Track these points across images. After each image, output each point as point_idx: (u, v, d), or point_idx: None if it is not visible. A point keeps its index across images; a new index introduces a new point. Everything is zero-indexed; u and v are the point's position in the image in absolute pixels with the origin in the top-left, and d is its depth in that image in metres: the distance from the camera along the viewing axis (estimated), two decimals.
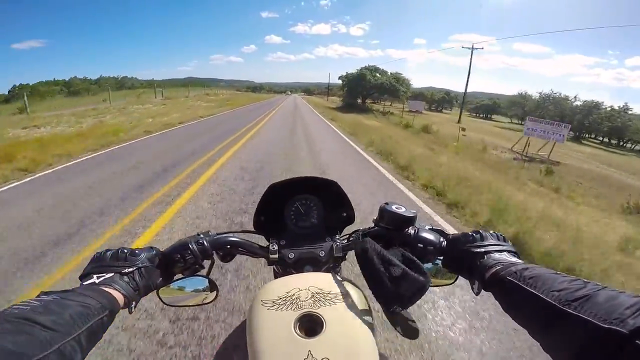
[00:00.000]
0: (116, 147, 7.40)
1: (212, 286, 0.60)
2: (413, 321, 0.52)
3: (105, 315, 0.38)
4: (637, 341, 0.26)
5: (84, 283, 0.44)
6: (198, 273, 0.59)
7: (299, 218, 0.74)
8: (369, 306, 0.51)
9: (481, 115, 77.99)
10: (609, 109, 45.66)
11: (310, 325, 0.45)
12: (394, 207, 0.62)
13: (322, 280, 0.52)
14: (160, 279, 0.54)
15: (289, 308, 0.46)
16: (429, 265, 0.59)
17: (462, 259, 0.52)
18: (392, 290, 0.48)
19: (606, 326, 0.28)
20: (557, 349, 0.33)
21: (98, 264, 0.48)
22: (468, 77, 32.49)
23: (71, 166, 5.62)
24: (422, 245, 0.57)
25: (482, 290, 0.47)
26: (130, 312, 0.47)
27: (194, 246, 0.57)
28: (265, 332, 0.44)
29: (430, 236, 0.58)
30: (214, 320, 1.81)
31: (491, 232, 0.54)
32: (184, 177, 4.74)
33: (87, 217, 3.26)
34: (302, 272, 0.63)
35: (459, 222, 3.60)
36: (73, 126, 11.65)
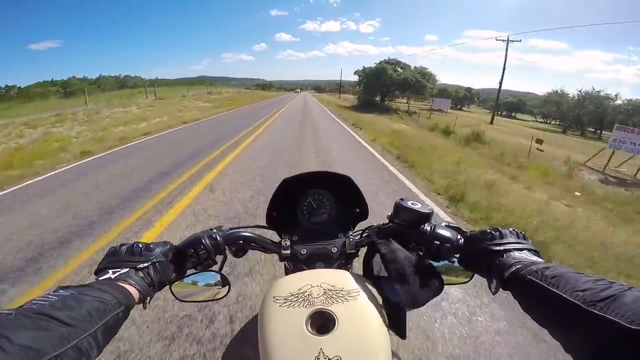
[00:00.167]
0: None
1: (224, 281, 0.60)
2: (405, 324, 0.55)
3: (121, 311, 0.38)
4: None
5: (100, 278, 0.44)
6: (210, 268, 0.59)
7: (311, 213, 0.73)
8: (382, 304, 0.51)
9: (504, 114, 72.80)
10: None
11: (322, 322, 0.44)
12: (409, 203, 0.61)
13: (335, 277, 0.52)
14: (174, 274, 0.54)
15: (300, 305, 0.46)
16: (445, 263, 0.58)
17: (480, 257, 0.50)
18: (416, 291, 0.51)
19: (634, 327, 0.28)
20: (581, 350, 0.32)
21: (113, 258, 0.48)
22: (503, 73, 28.14)
23: None
24: (438, 243, 0.56)
25: (500, 289, 0.46)
26: (145, 308, 0.47)
27: (207, 241, 0.57)
28: (276, 329, 0.44)
29: (447, 233, 0.57)
30: None
31: (511, 229, 0.51)
32: None
33: None
34: (314, 268, 0.63)
35: None
36: (5, 142, 8.58)
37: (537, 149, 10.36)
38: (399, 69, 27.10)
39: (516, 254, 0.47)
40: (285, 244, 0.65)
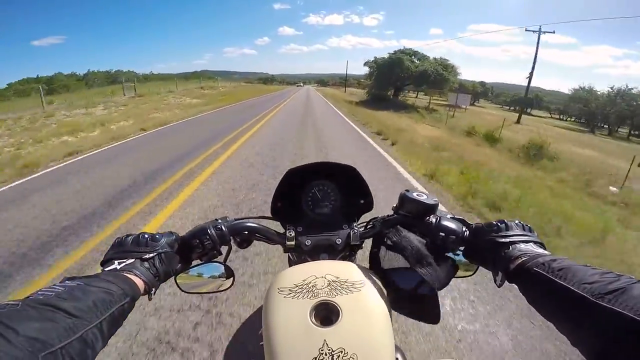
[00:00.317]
0: None
1: (229, 273, 0.60)
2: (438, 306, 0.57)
3: (126, 302, 0.38)
4: None
5: (106, 269, 0.44)
6: (215, 260, 0.59)
7: (315, 204, 0.72)
8: (386, 296, 0.51)
9: (518, 109, 68.72)
10: None
11: (326, 314, 0.44)
12: (415, 194, 0.61)
13: (339, 268, 0.51)
14: (179, 264, 0.54)
15: (305, 296, 0.46)
16: (450, 255, 0.57)
17: (486, 249, 0.50)
18: (440, 272, 0.51)
19: None
20: (588, 343, 0.32)
21: (119, 249, 0.48)
22: (533, 67, 24.38)
23: None
24: (443, 234, 0.55)
25: (506, 282, 0.45)
26: (150, 299, 0.47)
27: (213, 231, 0.57)
28: (280, 320, 0.44)
29: (452, 225, 0.56)
30: None
31: (516, 221, 0.51)
32: None
33: None
34: (318, 259, 0.63)
35: None
36: None
37: None
38: (416, 60, 23.62)
39: (522, 246, 0.46)
40: (290, 234, 0.64)
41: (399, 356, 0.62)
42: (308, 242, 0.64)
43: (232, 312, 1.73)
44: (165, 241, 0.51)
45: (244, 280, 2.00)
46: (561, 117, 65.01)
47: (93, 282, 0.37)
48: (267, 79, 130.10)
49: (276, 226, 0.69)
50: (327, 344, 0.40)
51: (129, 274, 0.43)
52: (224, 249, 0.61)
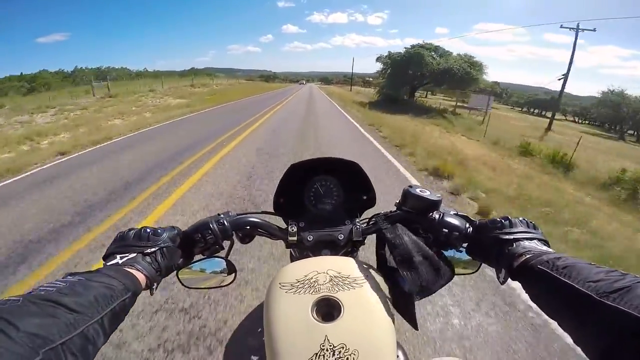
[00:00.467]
0: None
1: (231, 268, 0.60)
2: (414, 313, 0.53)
3: (127, 297, 0.38)
4: None
5: (108, 263, 0.44)
6: (217, 254, 0.59)
7: (318, 200, 0.71)
8: (389, 292, 0.50)
9: (535, 112, 65.19)
10: None
11: (328, 309, 0.44)
12: (418, 190, 0.60)
13: (341, 264, 0.51)
14: (181, 259, 0.54)
15: (306, 291, 0.45)
16: (452, 251, 0.57)
17: (489, 246, 0.49)
18: (425, 277, 0.49)
19: None
20: (592, 342, 0.31)
21: (121, 243, 0.48)
22: (569, 69, 20.93)
23: None
24: (446, 231, 0.55)
25: (509, 279, 0.45)
26: (152, 294, 0.46)
27: (215, 225, 0.57)
28: (282, 315, 0.44)
29: (455, 221, 0.56)
30: None
31: (520, 218, 0.50)
32: None
33: None
34: (320, 255, 0.62)
35: None
36: None
37: None
38: (437, 57, 20.32)
39: (526, 243, 0.46)
40: (292, 230, 0.64)
41: (400, 353, 0.61)
42: (310, 238, 0.63)
43: None
44: (167, 235, 0.51)
45: None
46: (576, 120, 61.45)
47: (94, 277, 0.37)
48: (269, 77, 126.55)
49: (277, 221, 0.69)
50: (328, 339, 0.39)
51: (131, 268, 0.43)
52: (226, 244, 0.60)
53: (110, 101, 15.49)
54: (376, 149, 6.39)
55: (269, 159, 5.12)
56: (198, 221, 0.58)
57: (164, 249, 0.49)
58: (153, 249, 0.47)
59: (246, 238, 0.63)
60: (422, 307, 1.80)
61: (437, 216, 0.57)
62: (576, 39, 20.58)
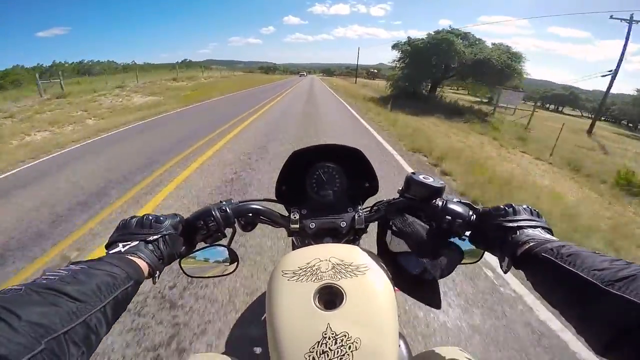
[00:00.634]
0: None
1: (233, 257, 0.60)
2: (439, 293, 0.56)
3: (130, 286, 0.37)
4: None
5: (110, 252, 0.43)
6: (219, 242, 0.59)
7: (320, 187, 0.70)
8: (391, 280, 0.49)
9: (550, 107, 60.86)
10: None
11: (330, 297, 0.43)
12: (421, 177, 0.59)
13: (344, 251, 0.50)
14: (184, 247, 0.54)
15: (309, 279, 0.45)
16: (455, 239, 0.56)
17: (492, 233, 0.49)
18: (443, 260, 0.51)
19: None
20: (597, 332, 0.31)
21: (124, 231, 0.47)
22: (619, 65, 16.81)
23: None
24: (450, 218, 0.54)
25: (512, 267, 0.44)
26: (154, 283, 0.46)
27: (217, 213, 0.56)
28: (284, 303, 0.43)
29: (459, 209, 0.55)
30: None
31: (524, 206, 0.49)
32: None
33: None
34: (322, 243, 0.62)
35: None
36: None
37: None
38: (468, 46, 16.34)
39: (530, 231, 0.45)
40: (294, 217, 0.63)
41: (401, 343, 0.61)
42: (312, 225, 0.63)
43: None
44: (170, 223, 0.50)
45: None
46: (589, 116, 57.00)
47: (97, 266, 0.36)
48: (269, 68, 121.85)
49: (280, 209, 0.68)
50: (330, 327, 0.39)
51: (133, 256, 0.42)
52: (228, 232, 0.60)
53: (55, 103, 12.16)
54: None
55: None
56: (200, 209, 0.57)
57: (167, 236, 0.48)
58: (155, 237, 0.47)
59: (248, 226, 0.62)
60: None
61: (440, 203, 0.56)
62: (629, 30, 16.55)
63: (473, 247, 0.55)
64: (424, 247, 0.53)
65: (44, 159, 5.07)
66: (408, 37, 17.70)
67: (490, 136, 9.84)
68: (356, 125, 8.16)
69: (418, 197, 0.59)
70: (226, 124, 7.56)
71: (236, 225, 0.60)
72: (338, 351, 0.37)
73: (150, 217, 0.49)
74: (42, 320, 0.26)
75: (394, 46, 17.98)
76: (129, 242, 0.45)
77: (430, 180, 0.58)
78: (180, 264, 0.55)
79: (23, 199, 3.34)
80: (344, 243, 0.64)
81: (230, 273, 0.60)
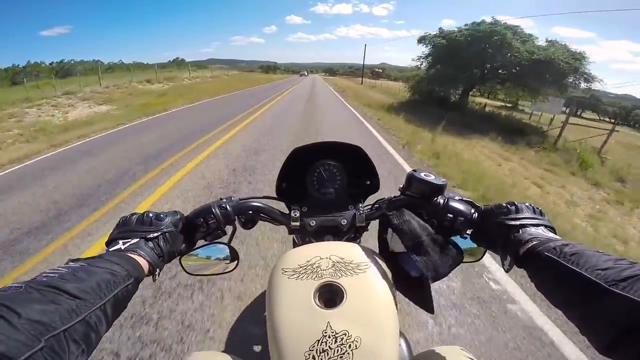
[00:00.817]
0: None
1: (233, 255, 0.59)
2: (431, 297, 0.53)
3: (130, 284, 0.37)
4: None
5: (111, 249, 0.43)
6: (219, 240, 0.58)
7: (321, 184, 0.69)
8: (392, 279, 0.49)
9: (565, 111, 56.83)
10: None
11: (331, 295, 0.43)
12: (422, 174, 0.59)
13: (344, 249, 0.50)
14: (184, 245, 0.53)
15: (309, 277, 0.44)
16: (457, 238, 0.55)
17: (495, 232, 0.48)
18: (437, 261, 0.49)
19: None
20: (600, 332, 0.31)
21: (124, 228, 0.47)
22: None
23: None
24: (451, 216, 0.54)
25: (515, 266, 0.44)
26: (154, 280, 0.45)
27: (217, 210, 0.56)
28: (284, 301, 0.43)
29: (460, 206, 0.54)
30: None
31: (527, 204, 0.49)
32: None
33: None
34: (323, 241, 0.61)
35: None
36: None
37: None
38: (518, 43, 12.14)
39: (532, 229, 0.44)
40: (295, 215, 0.63)
41: (402, 341, 0.61)
42: (313, 223, 0.62)
43: None
44: (170, 220, 0.50)
45: None
46: (611, 120, 53.09)
47: (97, 263, 0.36)
48: (269, 67, 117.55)
49: (280, 206, 0.67)
50: (330, 326, 0.38)
51: (133, 254, 0.42)
52: (228, 230, 0.59)
53: None
54: None
55: None
56: (200, 206, 0.57)
57: (167, 234, 0.48)
58: (155, 234, 0.46)
59: (248, 223, 0.62)
60: None
61: (441, 201, 0.56)
62: None
63: (475, 245, 0.54)
64: (418, 245, 0.51)
65: None
66: (439, 28, 13.85)
67: (589, 178, 6.18)
68: (377, 145, 4.32)
69: (419, 195, 0.58)
70: (182, 150, 3.92)
71: (236, 222, 0.60)
72: (338, 350, 0.36)
73: (151, 215, 0.49)
74: (42, 317, 0.26)
75: (421, 39, 14.07)
76: (129, 240, 0.44)
77: (431, 178, 0.57)
78: (180, 262, 0.54)
79: None
80: (344, 241, 0.63)
81: (231, 271, 0.60)
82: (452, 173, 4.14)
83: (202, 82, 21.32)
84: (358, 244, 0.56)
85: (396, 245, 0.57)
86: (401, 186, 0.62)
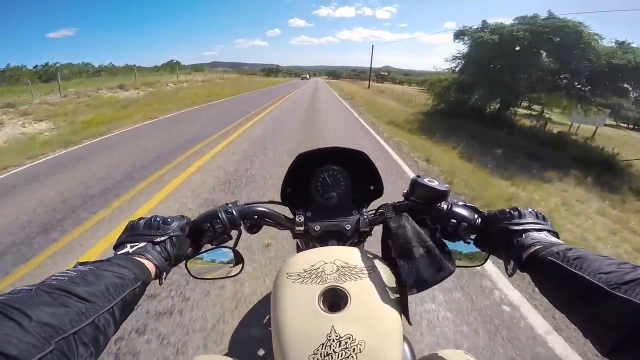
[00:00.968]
0: None
1: (238, 259, 0.60)
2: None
3: (137, 287, 0.37)
4: None
5: (118, 252, 0.44)
6: (225, 244, 0.59)
7: (325, 189, 0.70)
8: (396, 283, 0.49)
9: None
10: None
11: (335, 299, 0.43)
12: (426, 180, 0.60)
13: (348, 254, 0.50)
14: (190, 249, 0.54)
15: (313, 281, 0.45)
16: (460, 243, 0.56)
17: (498, 237, 0.48)
18: (423, 270, 0.48)
19: None
20: (603, 336, 0.31)
21: (132, 232, 0.47)
22: None
23: None
24: (455, 221, 0.54)
25: (518, 271, 0.44)
26: (161, 284, 0.46)
27: (223, 215, 0.57)
28: (289, 305, 0.43)
29: (464, 212, 0.55)
30: None
31: (530, 209, 0.49)
32: None
33: None
34: (327, 246, 0.61)
35: None
36: None
37: None
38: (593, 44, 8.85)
39: (535, 234, 0.44)
40: (299, 220, 0.63)
41: (405, 346, 0.60)
42: (317, 228, 0.62)
43: None
44: (177, 225, 0.51)
45: None
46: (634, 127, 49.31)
47: (105, 267, 0.36)
48: (271, 70, 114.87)
49: (285, 211, 0.68)
50: (335, 330, 0.39)
51: (141, 257, 0.42)
52: (234, 234, 0.60)
53: None
54: None
55: None
56: (207, 211, 0.57)
57: (174, 238, 0.48)
58: (163, 238, 0.47)
59: (254, 228, 0.62)
60: None
61: (445, 206, 0.56)
62: None
63: (478, 250, 0.55)
64: (406, 251, 0.50)
65: None
66: (483, 21, 10.82)
67: None
68: None
69: (423, 200, 0.58)
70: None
71: (242, 227, 0.60)
72: (342, 353, 0.37)
73: (158, 219, 0.49)
74: (52, 320, 0.26)
75: (458, 34, 11.09)
76: (136, 243, 0.44)
77: (435, 184, 0.58)
78: (186, 265, 0.55)
79: None
80: (348, 246, 0.63)
81: (236, 275, 0.60)
82: None
83: (188, 87, 18.54)
84: (362, 248, 0.56)
85: (394, 249, 0.55)
86: (405, 191, 0.62)
